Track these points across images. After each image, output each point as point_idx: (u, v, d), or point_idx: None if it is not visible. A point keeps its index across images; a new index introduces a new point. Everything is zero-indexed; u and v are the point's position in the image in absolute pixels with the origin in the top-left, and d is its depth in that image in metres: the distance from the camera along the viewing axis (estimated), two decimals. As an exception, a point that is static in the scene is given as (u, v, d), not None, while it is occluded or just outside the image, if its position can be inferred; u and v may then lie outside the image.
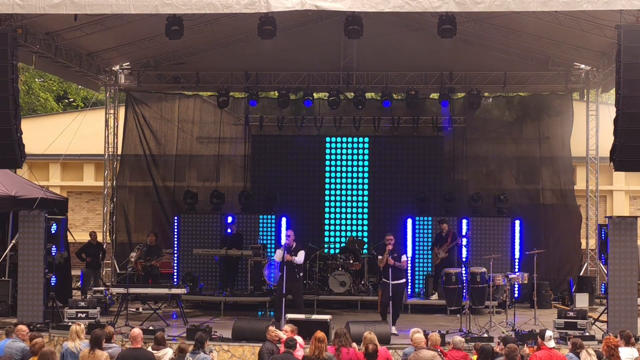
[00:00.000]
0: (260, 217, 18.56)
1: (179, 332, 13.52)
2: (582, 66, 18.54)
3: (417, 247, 18.19)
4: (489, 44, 17.98)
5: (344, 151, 19.36)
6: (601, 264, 17.08)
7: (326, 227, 19.26)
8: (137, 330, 10.29)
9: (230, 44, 18.34)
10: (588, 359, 10.05)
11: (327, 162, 19.41)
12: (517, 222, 18.18)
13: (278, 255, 14.17)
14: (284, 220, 18.33)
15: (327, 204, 19.36)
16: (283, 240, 15.20)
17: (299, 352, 10.23)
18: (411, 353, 10.41)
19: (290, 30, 17.32)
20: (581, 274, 18.96)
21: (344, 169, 19.39)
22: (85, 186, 23.10)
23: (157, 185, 20.05)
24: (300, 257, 14.16)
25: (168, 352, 10.53)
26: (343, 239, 18.92)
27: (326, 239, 19.06)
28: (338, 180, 19.40)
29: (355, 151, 19.33)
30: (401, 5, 12.03)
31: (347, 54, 18.80)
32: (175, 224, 18.64)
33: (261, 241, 18.08)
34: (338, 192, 19.37)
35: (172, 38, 14.40)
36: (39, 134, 18.96)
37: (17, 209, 14.84)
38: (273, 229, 18.38)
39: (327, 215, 19.34)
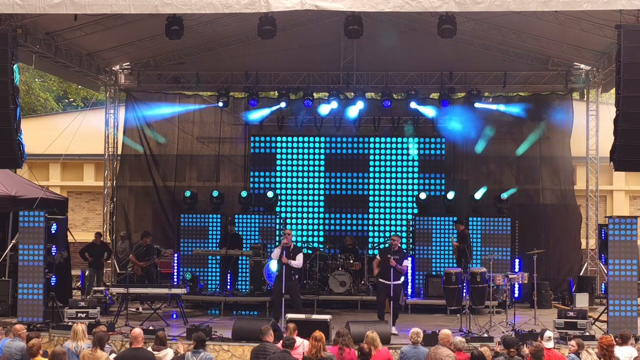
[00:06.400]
0: (260, 217, 18.57)
1: (179, 332, 13.52)
2: (582, 66, 18.56)
3: (417, 247, 18.19)
4: (489, 44, 17.98)
5: (345, 151, 19.37)
6: (601, 264, 17.07)
7: (326, 227, 19.26)
8: (137, 330, 10.27)
9: (230, 44, 18.34)
10: (589, 359, 10.06)
11: (327, 162, 19.41)
12: (517, 222, 18.17)
13: (276, 253, 14.19)
14: (283, 220, 18.33)
15: (327, 203, 19.36)
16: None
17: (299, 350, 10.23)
18: (409, 351, 10.43)
19: (290, 30, 17.32)
20: (581, 274, 18.95)
21: (344, 168, 19.39)
22: (85, 186, 23.09)
23: (157, 185, 20.04)
24: (298, 260, 14.21)
25: (169, 353, 10.52)
26: (343, 239, 18.91)
27: (326, 239, 19.06)
28: (338, 180, 19.41)
29: (355, 151, 19.34)
30: (401, 5, 12.03)
31: (347, 54, 18.82)
32: (175, 224, 18.64)
33: (261, 241, 18.07)
34: (338, 192, 19.38)
35: (172, 38, 14.41)
36: (39, 134, 18.96)
37: (17, 209, 14.84)
38: (273, 229, 18.37)
39: (327, 215, 19.35)
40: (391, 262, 13.76)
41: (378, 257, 14.31)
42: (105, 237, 19.51)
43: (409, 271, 17.14)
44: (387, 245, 14.14)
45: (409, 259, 14.43)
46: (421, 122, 19.58)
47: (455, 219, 17.95)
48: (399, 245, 14.16)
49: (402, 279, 14.36)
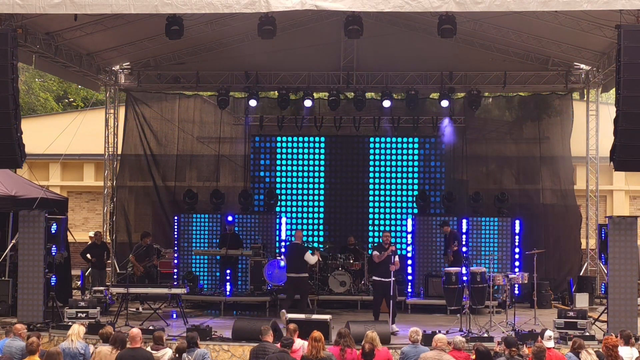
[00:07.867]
0: (260, 217, 18.55)
1: (179, 332, 13.51)
2: (582, 66, 18.56)
3: (417, 247, 18.19)
4: (489, 44, 17.98)
5: (344, 151, 19.34)
6: (601, 264, 17.07)
7: (326, 227, 19.26)
8: (135, 330, 10.27)
9: (230, 44, 18.33)
10: (588, 359, 10.06)
11: (327, 162, 19.41)
12: (517, 222, 18.17)
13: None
14: (284, 220, 18.33)
15: (327, 203, 19.35)
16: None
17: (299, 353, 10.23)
18: (410, 351, 10.41)
19: (290, 30, 17.32)
20: (581, 274, 18.95)
21: (344, 168, 19.38)
22: (85, 186, 23.09)
23: (157, 185, 20.04)
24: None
25: (167, 353, 10.51)
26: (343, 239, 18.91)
27: (326, 239, 19.05)
28: (338, 180, 19.40)
29: (355, 151, 19.31)
30: (401, 5, 12.03)
31: (347, 54, 18.82)
32: (175, 224, 18.63)
33: (261, 241, 18.06)
34: (338, 192, 19.37)
35: (172, 38, 14.40)
36: (39, 134, 18.93)
37: (17, 209, 14.83)
38: (273, 229, 18.36)
39: (327, 215, 19.34)
40: (396, 264, 13.90)
41: (376, 253, 14.36)
42: (105, 237, 19.52)
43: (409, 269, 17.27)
44: (381, 241, 14.24)
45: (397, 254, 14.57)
46: (421, 122, 19.59)
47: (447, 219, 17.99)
48: (390, 241, 14.25)
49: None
